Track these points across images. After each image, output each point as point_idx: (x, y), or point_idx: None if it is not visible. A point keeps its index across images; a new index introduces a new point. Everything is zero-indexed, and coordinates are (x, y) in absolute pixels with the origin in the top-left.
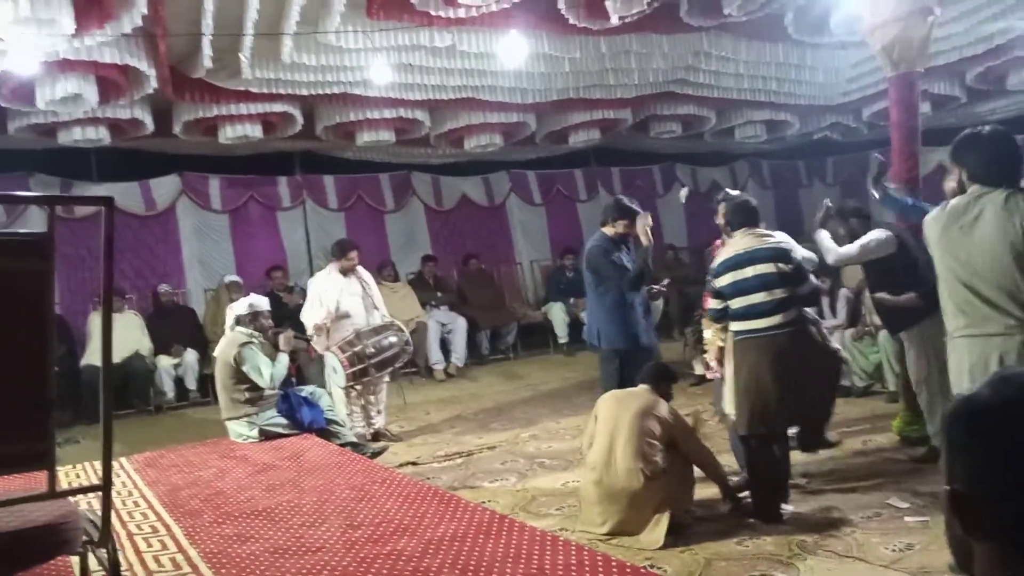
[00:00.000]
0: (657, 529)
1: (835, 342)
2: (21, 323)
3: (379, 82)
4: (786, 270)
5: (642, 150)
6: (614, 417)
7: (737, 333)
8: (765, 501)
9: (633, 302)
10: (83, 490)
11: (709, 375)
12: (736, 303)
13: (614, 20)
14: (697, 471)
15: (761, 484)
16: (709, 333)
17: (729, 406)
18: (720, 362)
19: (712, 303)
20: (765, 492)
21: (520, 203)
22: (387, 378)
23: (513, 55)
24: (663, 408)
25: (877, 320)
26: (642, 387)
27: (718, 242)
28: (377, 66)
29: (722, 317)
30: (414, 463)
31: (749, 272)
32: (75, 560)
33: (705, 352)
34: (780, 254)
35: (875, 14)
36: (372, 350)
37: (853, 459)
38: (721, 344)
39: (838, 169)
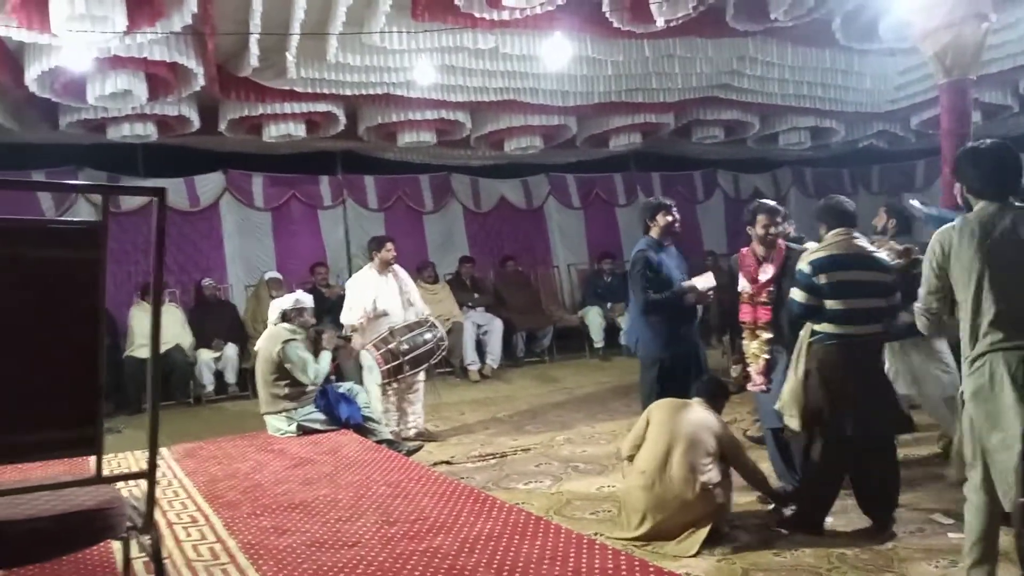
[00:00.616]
0: (692, 539)
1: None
2: (73, 310)
3: (422, 83)
4: (889, 280)
5: (683, 155)
6: (670, 426)
7: (828, 336)
8: (812, 512)
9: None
10: (129, 476)
11: (752, 388)
12: (837, 305)
13: (659, 24)
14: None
15: (814, 494)
16: (755, 346)
17: (790, 414)
18: (766, 376)
19: (802, 297)
20: (815, 503)
21: (558, 206)
22: (422, 376)
23: (556, 57)
24: (717, 423)
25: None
26: (696, 399)
27: (745, 250)
28: (420, 67)
29: (809, 316)
30: (448, 462)
31: (858, 276)
32: (117, 546)
33: (747, 365)
34: (886, 262)
35: (927, 20)
36: (406, 347)
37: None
38: (767, 357)
39: (884, 178)
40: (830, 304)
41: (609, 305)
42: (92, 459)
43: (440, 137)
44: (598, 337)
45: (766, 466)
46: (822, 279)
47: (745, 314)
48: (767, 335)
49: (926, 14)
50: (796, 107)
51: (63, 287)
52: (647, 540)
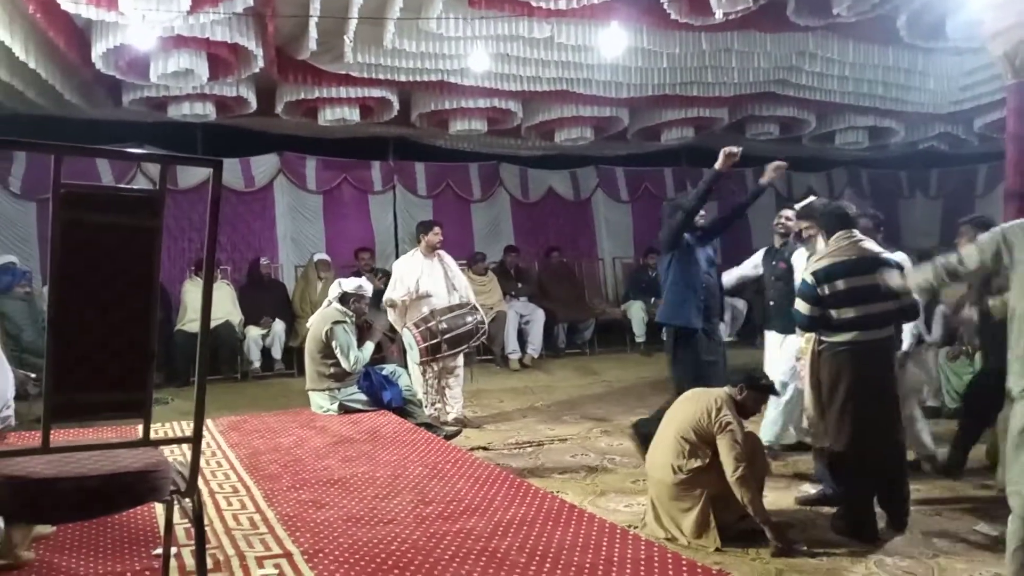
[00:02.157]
0: (695, 525)
1: (929, 360)
2: (130, 276)
3: (476, 71)
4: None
5: None
6: (672, 412)
7: (841, 344)
8: (864, 519)
9: (695, 284)
10: (175, 440)
11: (799, 384)
12: (848, 312)
13: (717, 16)
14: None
15: (862, 502)
16: (802, 341)
17: (812, 429)
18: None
19: (806, 309)
20: (862, 510)
21: (606, 199)
22: (461, 361)
23: (611, 48)
24: (712, 409)
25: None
26: (722, 389)
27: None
28: (475, 55)
29: (814, 327)
30: (485, 448)
31: (866, 280)
32: (160, 510)
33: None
34: (894, 262)
35: (998, 19)
36: (445, 326)
37: (939, 481)
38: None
39: (943, 182)
40: (842, 313)
41: (653, 300)
42: (139, 427)
43: (491, 126)
44: (640, 332)
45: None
46: (826, 289)
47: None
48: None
49: (997, 13)
50: (855, 106)
51: (121, 253)
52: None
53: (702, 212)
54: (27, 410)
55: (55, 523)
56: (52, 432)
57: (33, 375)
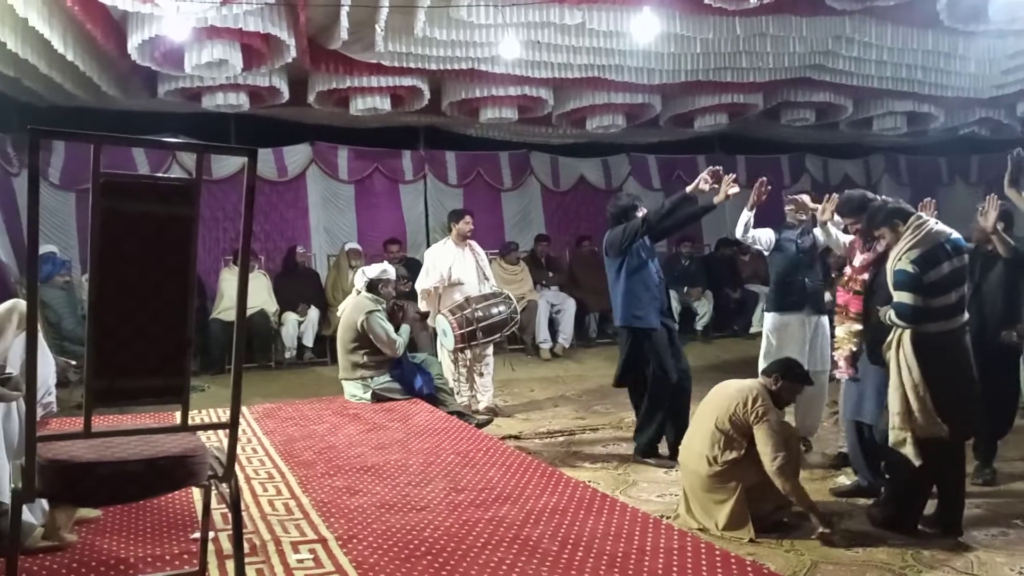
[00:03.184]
0: (731, 516)
1: None
2: (167, 264)
3: (506, 58)
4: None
5: (771, 138)
6: (704, 403)
7: (939, 334)
8: (910, 512)
9: (650, 284)
10: (213, 426)
11: (836, 375)
12: (946, 299)
13: (752, 0)
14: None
15: (914, 494)
16: (841, 331)
17: (895, 412)
18: (851, 364)
19: (913, 299)
20: (913, 504)
21: (638, 188)
22: (491, 350)
23: (643, 34)
24: (747, 400)
25: None
26: (756, 379)
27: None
28: (506, 42)
29: (920, 319)
30: (516, 437)
31: (956, 263)
32: (198, 494)
33: (837, 349)
34: (963, 242)
35: None
36: (480, 314)
37: (978, 474)
38: (854, 348)
39: (983, 168)
40: (939, 301)
41: (686, 289)
42: (177, 413)
43: (522, 114)
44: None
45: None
46: (932, 276)
47: (840, 297)
48: (856, 326)
49: None
50: (893, 91)
51: (158, 241)
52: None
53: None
54: (68, 397)
55: (96, 506)
56: (93, 418)
57: (73, 362)
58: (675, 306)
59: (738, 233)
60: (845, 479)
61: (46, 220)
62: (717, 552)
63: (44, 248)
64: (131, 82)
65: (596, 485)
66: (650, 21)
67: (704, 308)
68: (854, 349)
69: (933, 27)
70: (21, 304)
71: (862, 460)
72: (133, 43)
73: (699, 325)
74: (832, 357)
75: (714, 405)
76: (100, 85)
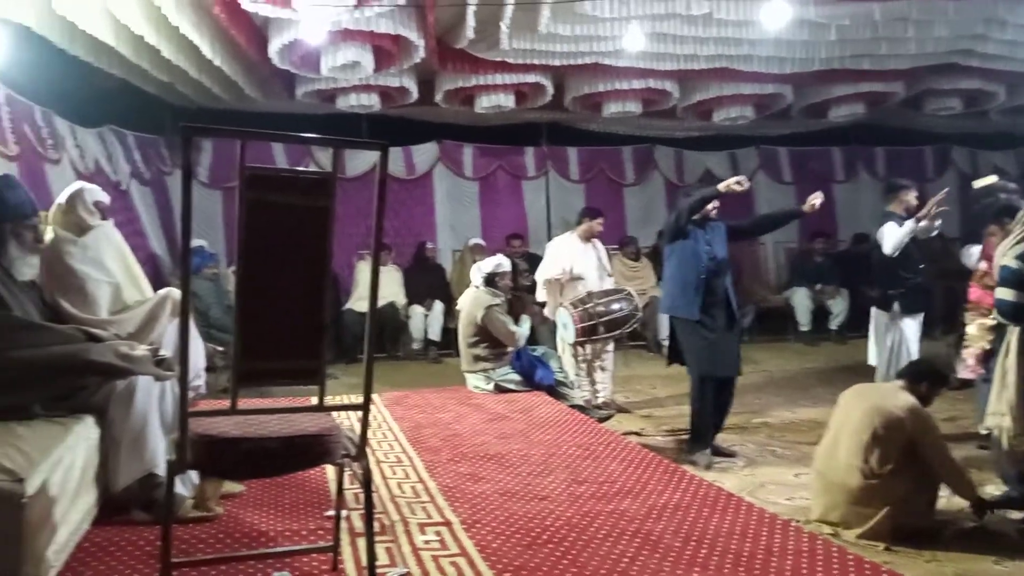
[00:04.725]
0: (873, 528)
1: None
2: (305, 252)
3: (631, 51)
4: None
5: (912, 128)
6: (846, 408)
7: None
8: None
9: (693, 277)
10: (347, 407)
11: (967, 374)
12: None
13: None
14: None
15: None
16: (973, 329)
17: (1008, 416)
18: (980, 362)
19: (1014, 296)
20: None
21: (768, 181)
22: (611, 346)
23: (774, 22)
24: (902, 406)
25: None
26: (895, 383)
27: (994, 226)
28: (630, 35)
29: (1022, 316)
30: (637, 433)
31: None
32: (331, 474)
33: (967, 347)
34: None
35: None
36: (602, 309)
37: None
38: (986, 346)
39: None
40: None
41: (819, 287)
42: (312, 398)
43: (646, 107)
44: (805, 320)
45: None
46: None
47: (973, 293)
48: (990, 322)
49: None
50: None
51: (298, 230)
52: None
53: (716, 204)
54: (214, 381)
55: (239, 479)
56: (237, 400)
57: (220, 348)
58: (807, 304)
59: (894, 245)
60: (994, 489)
61: (195, 216)
62: (850, 557)
63: (194, 242)
64: (271, 85)
65: (721, 484)
66: (781, 8)
67: (838, 307)
68: (987, 347)
69: None
70: (174, 292)
71: (1010, 470)
72: (273, 47)
73: (833, 324)
74: (961, 355)
75: (865, 414)
76: (243, 88)
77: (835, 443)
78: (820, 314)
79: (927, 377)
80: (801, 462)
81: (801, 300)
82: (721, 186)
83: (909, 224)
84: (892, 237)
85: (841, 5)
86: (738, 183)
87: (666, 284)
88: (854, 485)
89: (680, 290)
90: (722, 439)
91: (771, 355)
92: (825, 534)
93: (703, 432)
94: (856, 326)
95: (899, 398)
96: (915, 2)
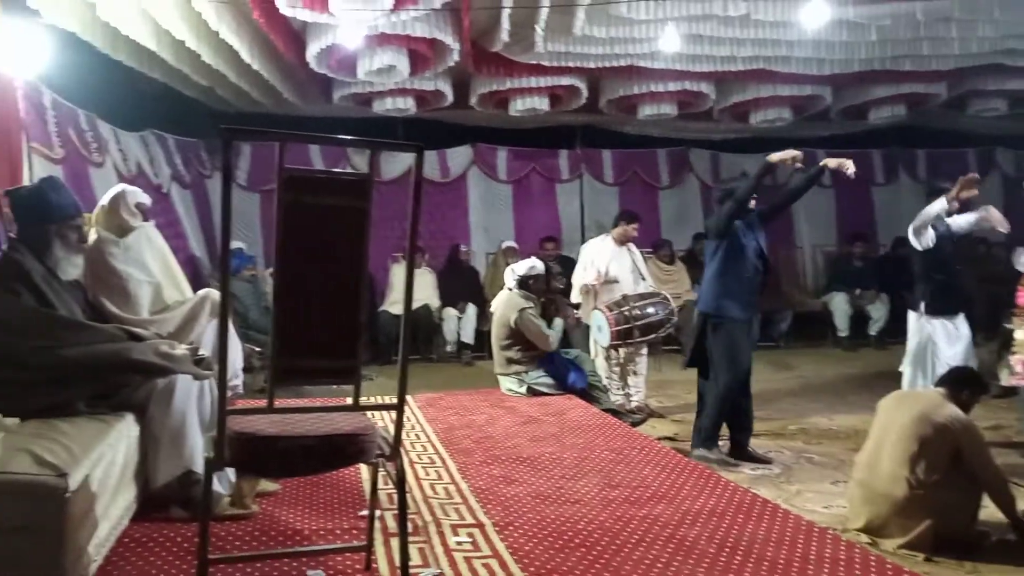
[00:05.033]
0: (915, 538)
1: None
2: (341, 252)
3: (667, 52)
4: None
5: (955, 130)
6: (888, 417)
7: None
8: None
9: (741, 275)
10: (382, 407)
11: (1014, 381)
12: None
13: None
14: None
15: None
16: (1022, 334)
17: None
18: None
19: None
20: None
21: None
22: (645, 350)
23: (813, 22)
24: (948, 414)
25: None
26: (935, 390)
27: None
28: (666, 37)
29: None
30: (671, 439)
31: None
32: (366, 474)
33: (1014, 354)
34: None
35: None
36: (638, 312)
37: None
38: None
39: None
40: None
41: (858, 291)
42: (348, 399)
43: (681, 109)
44: (843, 325)
45: None
46: None
47: (1020, 298)
48: None
49: None
50: None
51: (335, 230)
52: (863, 532)
53: (754, 196)
54: (251, 381)
55: (276, 476)
56: (274, 399)
57: (258, 348)
58: (846, 309)
59: (921, 222)
60: None
61: (234, 219)
62: (889, 566)
63: (233, 244)
64: (309, 89)
65: (756, 491)
66: (820, 9)
67: (878, 312)
68: None
69: None
70: (213, 293)
71: None
72: (311, 52)
73: (872, 330)
74: (1009, 362)
75: (912, 423)
76: (282, 92)
77: (878, 452)
78: (859, 319)
79: (968, 384)
80: (839, 470)
81: (840, 305)
82: (774, 156)
83: (939, 203)
84: (919, 216)
85: (882, 5)
86: (793, 158)
87: (710, 282)
88: (899, 495)
89: (726, 289)
90: (757, 445)
91: (808, 361)
92: (863, 543)
93: (715, 433)
94: (896, 332)
95: (946, 407)
96: (958, 1)
